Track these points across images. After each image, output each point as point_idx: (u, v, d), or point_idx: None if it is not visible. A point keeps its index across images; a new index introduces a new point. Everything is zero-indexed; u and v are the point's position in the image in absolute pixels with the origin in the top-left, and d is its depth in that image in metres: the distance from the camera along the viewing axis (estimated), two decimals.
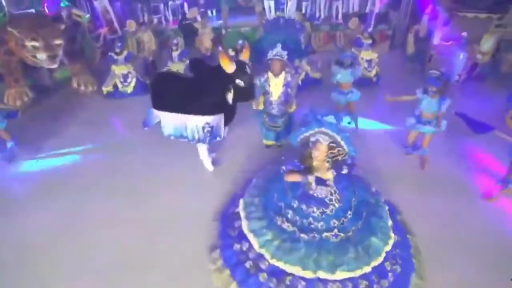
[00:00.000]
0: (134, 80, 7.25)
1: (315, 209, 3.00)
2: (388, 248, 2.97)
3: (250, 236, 3.03)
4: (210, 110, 4.15)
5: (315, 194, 3.01)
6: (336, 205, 3.04)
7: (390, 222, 3.20)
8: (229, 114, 4.33)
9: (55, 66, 6.54)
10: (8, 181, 4.84)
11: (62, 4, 7.70)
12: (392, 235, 3.09)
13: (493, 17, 7.23)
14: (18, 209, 4.26)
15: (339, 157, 2.86)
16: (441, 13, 7.98)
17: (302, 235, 2.94)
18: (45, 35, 6.16)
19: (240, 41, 7.44)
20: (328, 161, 2.86)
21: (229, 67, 3.77)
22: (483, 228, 3.71)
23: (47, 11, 7.61)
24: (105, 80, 7.35)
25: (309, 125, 2.80)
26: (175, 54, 7.22)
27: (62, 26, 6.62)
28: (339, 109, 5.45)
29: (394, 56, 9.01)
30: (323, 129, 2.74)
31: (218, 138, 4.42)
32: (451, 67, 7.16)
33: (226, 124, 4.40)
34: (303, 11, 10.16)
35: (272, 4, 10.61)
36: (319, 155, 2.80)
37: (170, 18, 10.65)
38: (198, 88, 4.02)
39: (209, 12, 11.25)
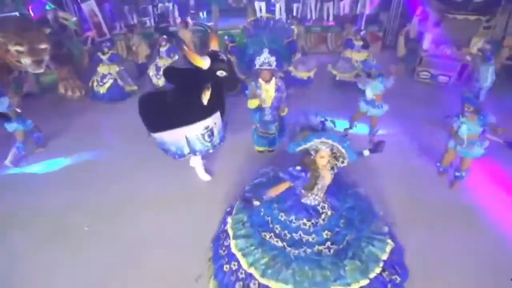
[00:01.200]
0: (110, 82, 7.07)
1: (305, 221, 2.87)
2: (385, 256, 2.85)
3: (239, 255, 2.89)
4: (204, 113, 3.90)
5: (308, 202, 2.89)
6: (329, 212, 2.93)
7: (386, 228, 3.10)
8: (221, 110, 4.11)
9: (41, 71, 6.35)
10: None
11: (47, 7, 7.52)
12: (389, 241, 2.97)
13: (482, 19, 7.27)
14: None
15: (339, 162, 2.81)
16: (431, 15, 8.02)
17: (292, 250, 2.79)
18: (29, 39, 5.97)
19: (226, 37, 7.41)
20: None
21: (202, 62, 3.57)
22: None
23: (32, 14, 7.45)
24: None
25: (307, 137, 2.66)
26: (162, 49, 7.16)
27: (48, 30, 6.45)
28: (357, 116, 5.25)
29: (386, 57, 9.01)
30: (323, 139, 2.62)
31: (222, 142, 4.23)
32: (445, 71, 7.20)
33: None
34: (294, 12, 10.15)
35: (263, 5, 10.60)
36: (324, 161, 2.72)
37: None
38: (185, 96, 3.82)
39: (200, 14, 11.20)
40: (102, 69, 7.04)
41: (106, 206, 4.18)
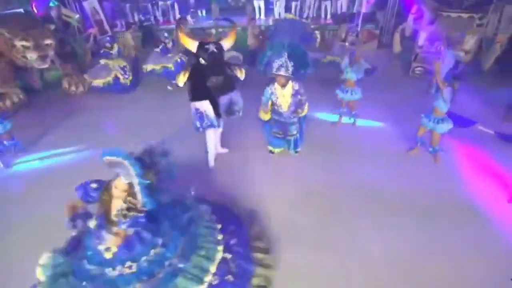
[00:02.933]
0: (112, 75, 7.32)
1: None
2: None
3: None
4: (193, 96, 4.24)
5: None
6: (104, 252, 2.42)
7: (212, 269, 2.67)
8: (213, 104, 4.25)
9: (45, 66, 6.53)
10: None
11: (51, 4, 7.65)
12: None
13: (475, 17, 7.50)
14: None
15: (132, 210, 2.37)
16: (426, 13, 8.24)
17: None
18: (35, 35, 6.17)
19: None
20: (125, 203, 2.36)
21: (188, 44, 3.87)
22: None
23: (35, 11, 7.58)
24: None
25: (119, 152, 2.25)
26: (169, 46, 7.52)
27: (52, 26, 6.62)
28: (342, 105, 5.52)
29: (382, 54, 9.25)
30: (126, 162, 2.19)
31: (212, 128, 4.38)
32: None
33: (217, 115, 4.36)
34: (292, 11, 10.35)
35: (262, 4, 10.81)
36: (116, 193, 2.34)
37: (160, 18, 10.70)
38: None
39: (199, 12, 11.37)
40: (107, 62, 7.23)
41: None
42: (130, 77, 7.41)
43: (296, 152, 4.89)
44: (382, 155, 4.91)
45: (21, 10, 7.05)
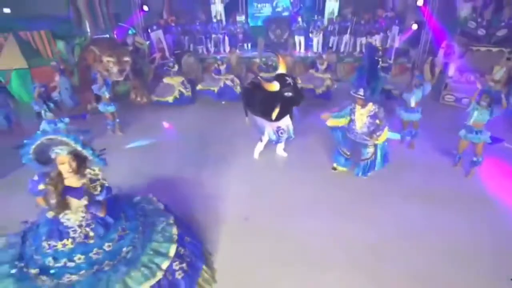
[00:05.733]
0: (176, 91, 8.50)
1: (53, 242, 2.44)
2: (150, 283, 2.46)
3: None
4: (276, 119, 5.14)
5: (64, 223, 2.47)
6: (91, 233, 2.50)
7: (172, 249, 2.70)
8: (290, 116, 5.40)
9: (121, 78, 7.96)
10: None
11: (130, 32, 9.36)
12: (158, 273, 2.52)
13: (504, 51, 8.02)
14: None
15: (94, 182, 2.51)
16: (456, 48, 8.89)
17: (43, 278, 2.37)
18: (118, 53, 7.67)
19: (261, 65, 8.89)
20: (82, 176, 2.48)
21: (274, 87, 4.71)
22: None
23: (116, 37, 9.31)
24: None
25: (35, 136, 2.34)
26: (222, 68, 8.76)
27: (130, 48, 8.14)
28: (405, 125, 5.84)
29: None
30: (59, 137, 2.33)
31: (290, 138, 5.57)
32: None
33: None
34: (330, 45, 11.46)
35: (302, 40, 12.07)
36: (65, 167, 2.38)
37: (212, 48, 12.30)
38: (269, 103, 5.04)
39: (245, 45, 12.90)
40: (168, 80, 8.50)
41: (162, 175, 5.15)
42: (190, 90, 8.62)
43: (366, 176, 4.88)
44: (418, 164, 5.44)
45: (107, 35, 8.73)
